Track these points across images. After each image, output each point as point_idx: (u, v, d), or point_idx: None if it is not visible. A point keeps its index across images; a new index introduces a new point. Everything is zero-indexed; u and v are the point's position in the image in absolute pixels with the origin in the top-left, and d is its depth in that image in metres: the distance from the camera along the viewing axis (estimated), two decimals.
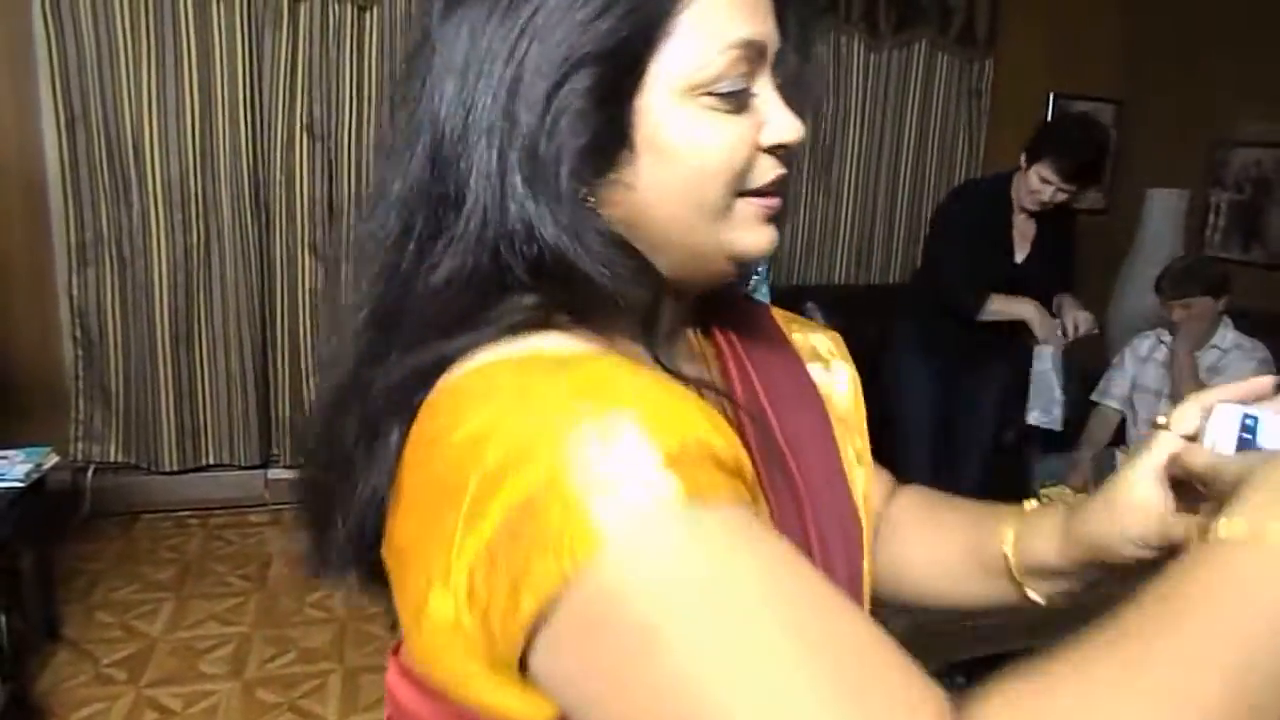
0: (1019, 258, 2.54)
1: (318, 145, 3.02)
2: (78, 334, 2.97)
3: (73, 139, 2.84)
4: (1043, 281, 2.56)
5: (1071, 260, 2.63)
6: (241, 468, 3.21)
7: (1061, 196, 2.35)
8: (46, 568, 2.60)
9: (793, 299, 3.26)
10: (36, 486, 2.45)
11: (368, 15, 3.00)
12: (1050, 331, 2.47)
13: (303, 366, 3.17)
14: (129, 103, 2.85)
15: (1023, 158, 2.39)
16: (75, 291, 2.94)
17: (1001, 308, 2.48)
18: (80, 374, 3.00)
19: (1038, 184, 2.33)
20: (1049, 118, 2.51)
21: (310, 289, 3.12)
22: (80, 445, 3.04)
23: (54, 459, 2.52)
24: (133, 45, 2.82)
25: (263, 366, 3.15)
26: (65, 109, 2.82)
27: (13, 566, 2.45)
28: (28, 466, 2.42)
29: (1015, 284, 2.53)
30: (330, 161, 3.06)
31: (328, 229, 3.09)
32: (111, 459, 3.09)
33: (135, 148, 2.88)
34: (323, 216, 3.08)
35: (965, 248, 2.47)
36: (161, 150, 2.89)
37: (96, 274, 2.95)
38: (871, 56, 3.54)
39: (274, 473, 3.26)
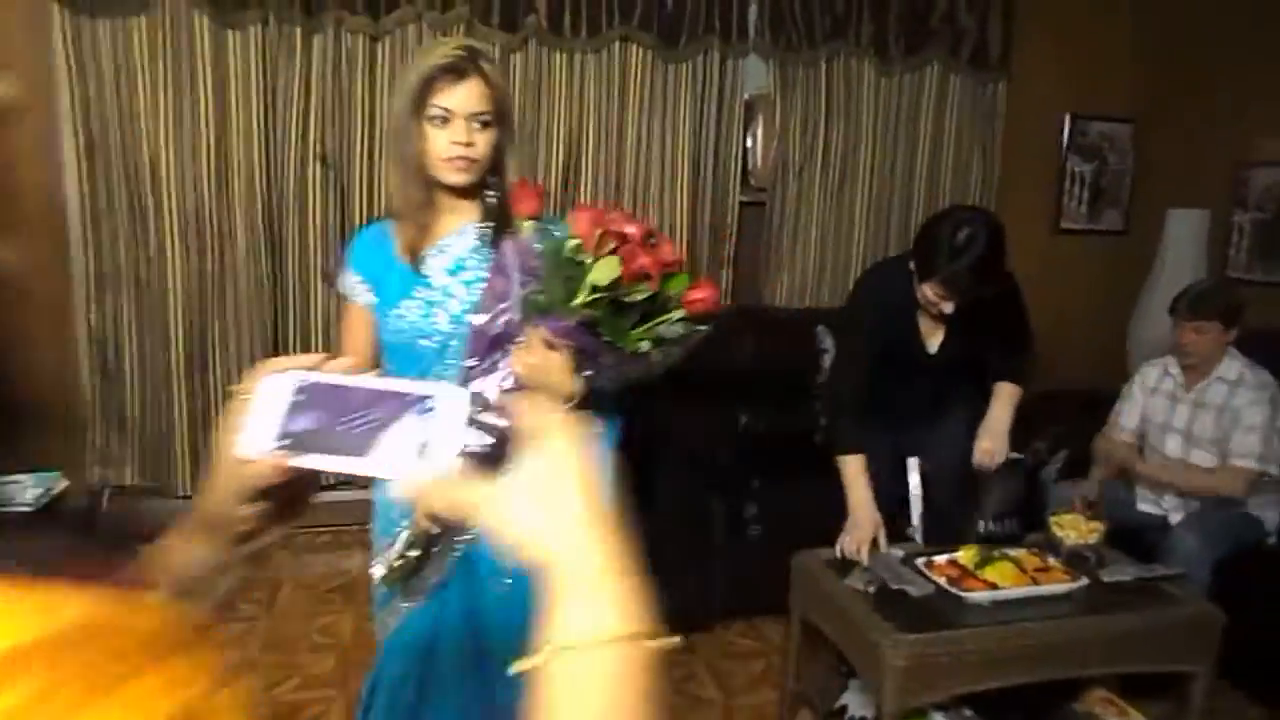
0: (932, 347, 2.25)
1: (330, 174, 3.06)
2: (95, 360, 3.02)
3: (92, 168, 2.91)
4: (970, 368, 2.28)
5: (1017, 329, 2.28)
6: None
7: (961, 302, 2.04)
8: None
9: (805, 323, 3.24)
10: (47, 510, 2.49)
11: (379, 46, 3.04)
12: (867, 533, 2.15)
13: None
14: (146, 132, 2.91)
15: (910, 262, 2.12)
16: (93, 318, 2.99)
17: (848, 476, 2.17)
18: (98, 399, 3.05)
19: (932, 296, 2.05)
20: (933, 223, 2.09)
21: (323, 315, 3.15)
22: (97, 469, 3.08)
23: (64, 483, 2.57)
24: (150, 75, 2.88)
25: None
26: (85, 138, 2.89)
27: None
28: (38, 491, 2.46)
29: (935, 379, 2.29)
30: (342, 190, 3.09)
31: (340, 257, 3.12)
32: (127, 482, 3.12)
33: (153, 176, 2.94)
34: (334, 244, 3.11)
35: (859, 349, 2.22)
36: (178, 179, 2.94)
37: (114, 301, 3.00)
38: (883, 81, 3.52)
39: None
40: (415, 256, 1.47)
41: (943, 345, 2.26)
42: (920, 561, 2.05)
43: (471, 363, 1.43)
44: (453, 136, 1.39)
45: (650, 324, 1.36)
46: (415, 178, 1.43)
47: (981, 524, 2.23)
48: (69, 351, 3.05)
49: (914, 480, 2.23)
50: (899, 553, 2.13)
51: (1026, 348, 2.32)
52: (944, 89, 3.58)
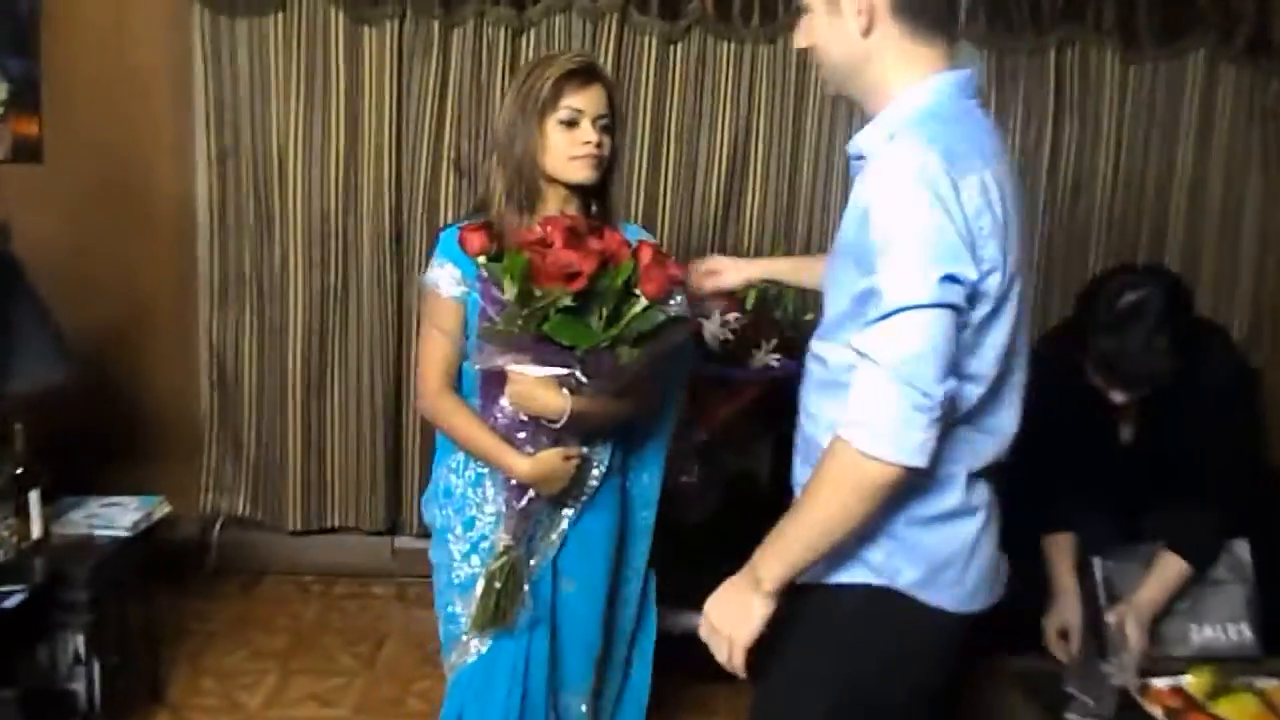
0: (1125, 434, 2.05)
1: (463, 181, 3.12)
2: (214, 377, 3.21)
3: (223, 172, 3.12)
4: (1164, 471, 2.00)
5: (1216, 451, 1.94)
6: (367, 533, 3.31)
7: (1133, 392, 1.87)
8: (154, 624, 2.76)
9: None
10: (145, 536, 2.62)
11: (523, 39, 3.09)
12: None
13: None
14: (276, 137, 3.09)
15: None
16: (215, 332, 3.19)
17: (1051, 557, 2.06)
18: (214, 419, 3.24)
19: (1096, 380, 1.88)
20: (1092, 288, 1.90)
21: None
22: (210, 496, 3.27)
23: (165, 509, 2.70)
24: (284, 76, 3.06)
25: (395, 422, 3.26)
26: (218, 144, 3.09)
27: (119, 620, 2.63)
28: (137, 516, 2.59)
29: (1129, 478, 2.05)
30: (476, 198, 3.14)
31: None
32: (239, 513, 3.29)
33: (280, 182, 3.11)
34: None
35: (1052, 425, 1.87)
36: (305, 185, 3.10)
37: (236, 314, 3.18)
38: (1130, 71, 3.24)
39: (401, 541, 3.35)
40: (494, 255, 1.62)
41: (1139, 434, 2.02)
42: (1132, 682, 1.80)
43: (480, 404, 1.70)
44: (582, 136, 1.66)
45: (620, 321, 1.50)
46: (528, 178, 1.68)
47: (1196, 628, 1.97)
48: (190, 367, 3.27)
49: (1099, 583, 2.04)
50: (1109, 667, 1.89)
51: (1225, 489, 1.96)
52: (1211, 82, 3.27)
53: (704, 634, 1.37)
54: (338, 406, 3.24)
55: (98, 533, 2.51)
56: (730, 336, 2.59)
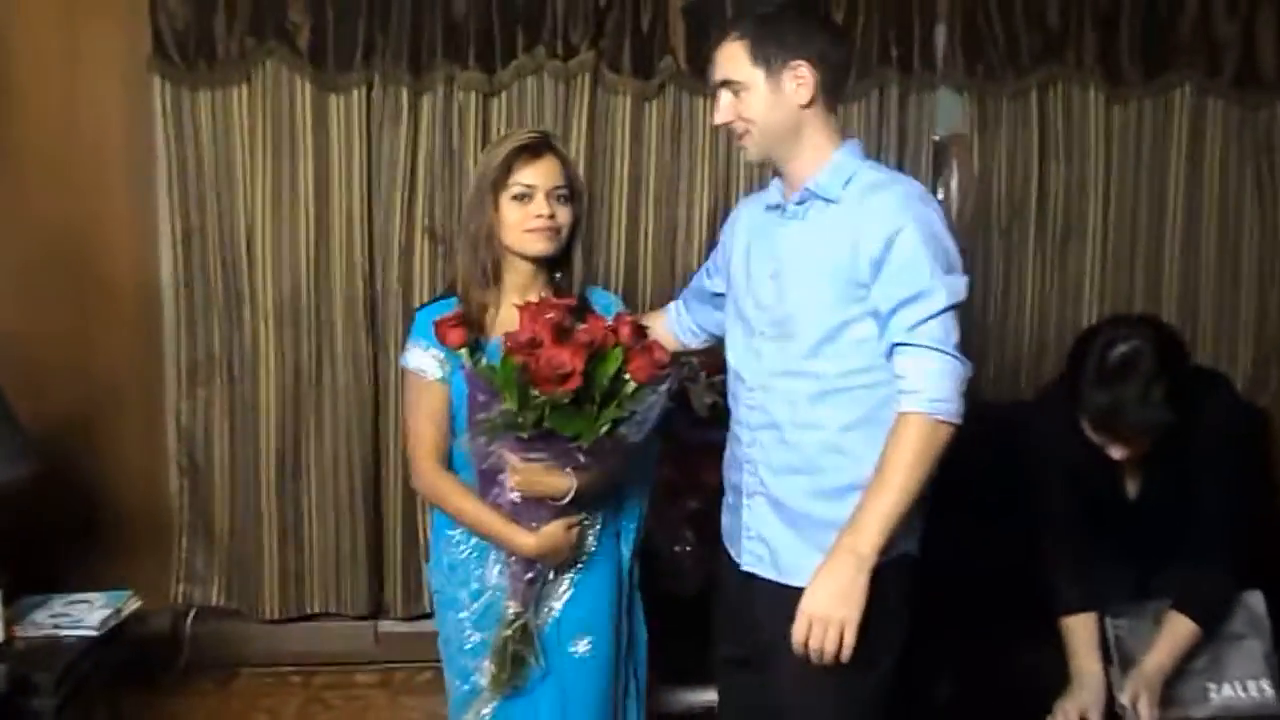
0: (1131, 490, 2.09)
1: (439, 249, 3.16)
2: (184, 462, 3.21)
3: (188, 253, 3.14)
4: (1172, 526, 2.05)
5: (1217, 510, 1.99)
6: (349, 618, 3.28)
7: (1132, 448, 1.93)
8: None
9: (1016, 420, 3.00)
10: (114, 634, 2.60)
11: (494, 102, 3.15)
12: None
13: (418, 500, 3.24)
14: (244, 213, 3.12)
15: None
16: (183, 415, 3.19)
17: (1073, 640, 2.08)
18: (185, 506, 3.22)
19: (1094, 437, 1.94)
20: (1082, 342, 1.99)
21: None
22: (181, 587, 3.24)
23: (135, 604, 2.69)
24: (249, 149, 3.10)
25: (375, 502, 3.25)
26: (182, 221, 3.12)
27: None
28: (105, 613, 2.58)
29: (1139, 533, 2.10)
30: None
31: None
32: (213, 603, 3.26)
33: (249, 257, 3.13)
34: None
35: (1059, 506, 2.11)
36: (274, 260, 3.12)
37: (206, 396, 3.19)
38: (1115, 110, 3.30)
39: (385, 625, 3.32)
40: (474, 343, 1.79)
41: (1144, 488, 2.05)
42: None
43: (478, 486, 1.81)
44: (535, 210, 1.78)
45: (611, 405, 1.64)
46: (487, 254, 1.82)
47: (1215, 687, 2.00)
48: (158, 452, 3.26)
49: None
50: None
51: (1234, 542, 2.00)
52: (1199, 117, 3.31)
53: (804, 629, 1.56)
54: (314, 487, 3.23)
55: (64, 633, 2.50)
56: (718, 399, 2.60)
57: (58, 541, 3.12)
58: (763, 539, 1.77)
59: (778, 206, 1.78)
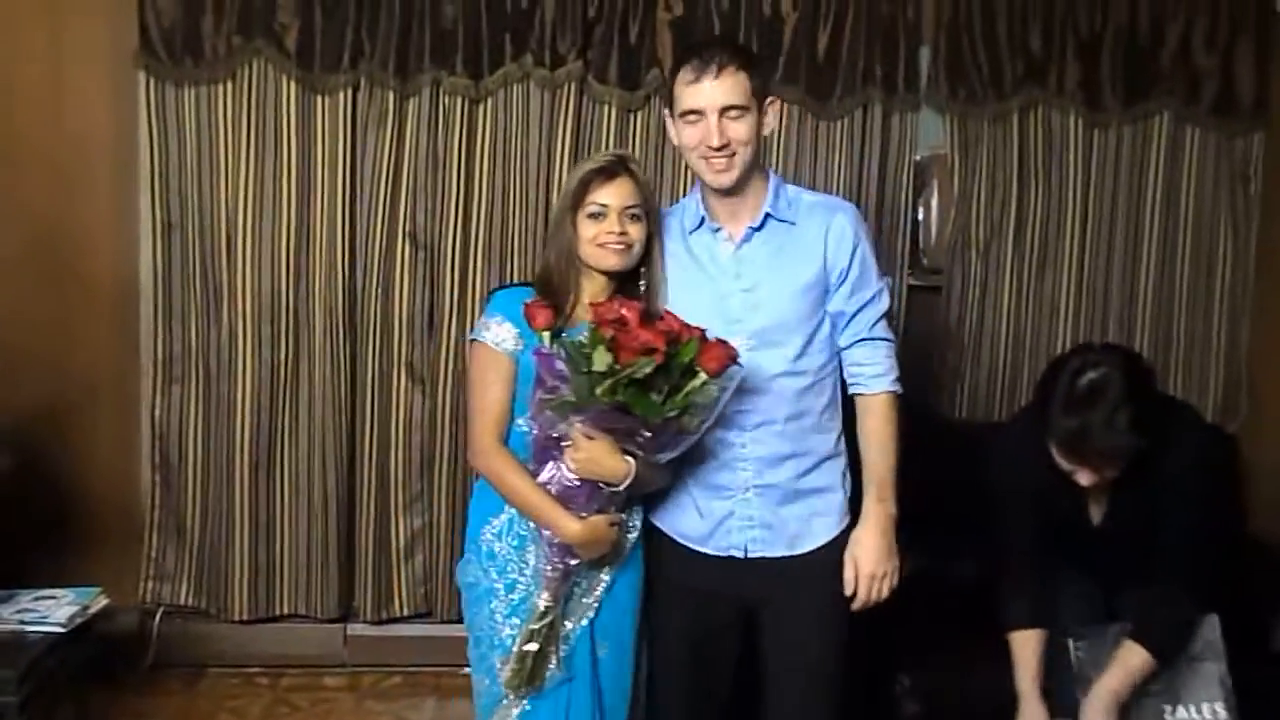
0: (1095, 516, 2.14)
1: (419, 253, 3.17)
2: (157, 459, 3.20)
3: (167, 247, 3.14)
4: (1133, 554, 2.11)
5: (1182, 537, 2.03)
6: (318, 620, 3.28)
7: (1100, 475, 1.97)
8: None
9: (990, 441, 3.03)
10: (81, 632, 2.59)
11: (480, 108, 3.16)
12: None
13: (391, 505, 3.25)
14: (225, 209, 3.13)
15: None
16: (158, 411, 3.18)
17: (1018, 656, 2.14)
18: (156, 504, 3.21)
19: (1063, 463, 1.97)
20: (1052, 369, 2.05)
21: (404, 414, 3.22)
22: (150, 585, 3.23)
23: (103, 602, 2.68)
24: (232, 146, 3.11)
25: (347, 503, 3.25)
26: (163, 215, 3.12)
27: None
28: (72, 610, 2.57)
29: (1105, 560, 2.14)
30: (432, 271, 3.19)
31: (426, 347, 3.20)
32: (181, 602, 3.25)
33: (228, 257, 3.13)
34: (421, 333, 3.20)
35: (1019, 523, 2.16)
36: (254, 258, 3.13)
37: (181, 392, 3.18)
38: (1095, 135, 3.34)
39: (354, 628, 3.32)
40: (554, 330, 1.89)
41: (1109, 515, 2.09)
42: None
43: (532, 468, 1.89)
44: (607, 228, 1.91)
45: (679, 394, 1.75)
46: (567, 265, 1.96)
47: (1170, 710, 2.04)
48: (131, 448, 3.26)
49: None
50: None
51: (1195, 569, 2.04)
52: (1177, 144, 3.36)
53: (866, 584, 1.92)
54: (287, 488, 3.23)
55: (29, 629, 2.49)
56: None
57: (26, 536, 3.10)
58: (766, 525, 1.97)
59: (716, 229, 1.98)
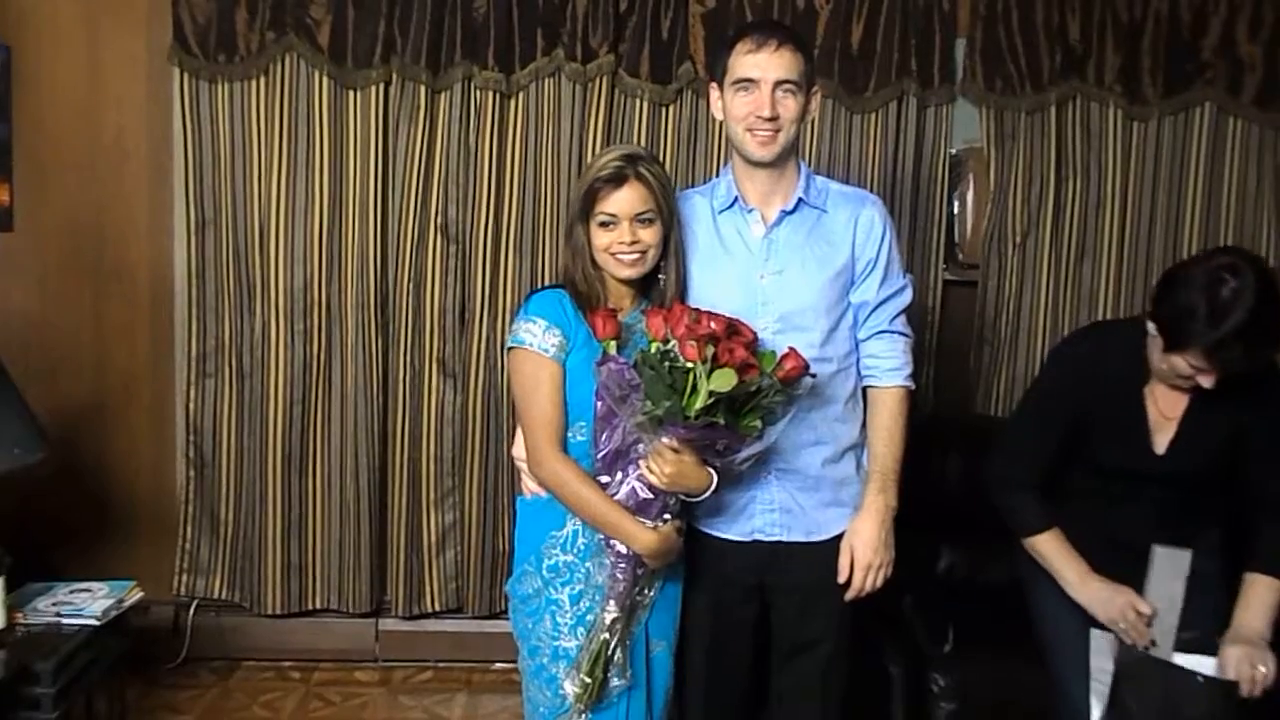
0: (1160, 446, 2.06)
1: (451, 247, 3.16)
2: (191, 453, 3.22)
3: (201, 244, 3.16)
4: (1203, 488, 2.07)
5: None
6: (350, 615, 3.29)
7: (1226, 375, 1.88)
8: (124, 717, 2.74)
9: None
10: (116, 624, 2.61)
11: (511, 102, 3.15)
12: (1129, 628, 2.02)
13: (423, 500, 3.25)
14: (258, 205, 3.14)
15: (1148, 324, 1.96)
16: (192, 406, 3.20)
17: (1049, 554, 2.12)
18: (190, 498, 3.24)
19: (1185, 369, 1.90)
20: (1177, 267, 1.99)
21: (436, 410, 3.22)
22: (184, 579, 3.25)
23: (138, 595, 2.70)
24: (265, 142, 3.12)
25: (380, 498, 3.26)
26: (197, 212, 3.14)
27: (87, 715, 2.61)
28: (108, 603, 2.59)
29: (1163, 495, 2.07)
30: (464, 266, 3.19)
31: (458, 342, 3.20)
32: (215, 595, 3.27)
33: (261, 250, 3.15)
34: (454, 328, 3.20)
35: (1051, 427, 2.11)
36: (287, 254, 3.14)
37: (215, 387, 3.20)
38: (1134, 127, 3.28)
39: (386, 623, 3.33)
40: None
41: (1174, 445, 2.04)
42: None
43: (604, 479, 1.84)
44: (618, 237, 1.86)
45: (760, 402, 1.75)
46: (584, 268, 1.92)
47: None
48: (166, 443, 3.28)
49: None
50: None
51: None
52: (1219, 136, 3.30)
53: (861, 574, 1.94)
54: (320, 483, 3.24)
55: (65, 621, 2.52)
56: None
57: (63, 530, 3.14)
58: (786, 510, 1.99)
59: (749, 210, 1.99)
